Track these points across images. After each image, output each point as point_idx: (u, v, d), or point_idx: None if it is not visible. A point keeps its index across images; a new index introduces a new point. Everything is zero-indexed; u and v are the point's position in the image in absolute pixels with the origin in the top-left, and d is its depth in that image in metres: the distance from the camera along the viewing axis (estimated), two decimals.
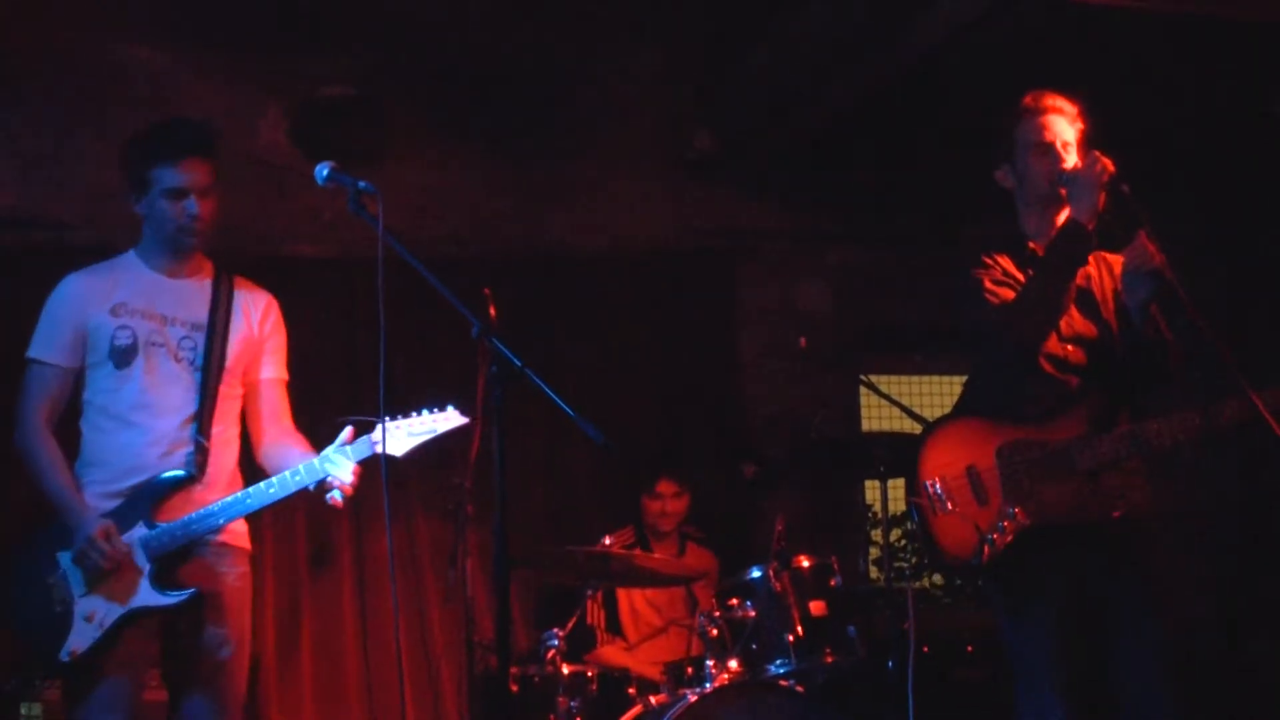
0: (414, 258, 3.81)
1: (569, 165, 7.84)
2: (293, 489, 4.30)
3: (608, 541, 5.96)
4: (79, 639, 4.19)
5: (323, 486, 4.31)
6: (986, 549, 4.12)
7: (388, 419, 4.31)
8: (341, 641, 6.96)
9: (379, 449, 4.28)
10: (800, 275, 8.21)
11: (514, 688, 5.67)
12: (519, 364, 3.63)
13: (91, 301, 4.41)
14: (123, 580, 4.23)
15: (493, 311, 4.13)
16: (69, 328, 4.40)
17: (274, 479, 4.33)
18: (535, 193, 7.77)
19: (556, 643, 5.68)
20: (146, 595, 4.23)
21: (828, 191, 8.18)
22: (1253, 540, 8.11)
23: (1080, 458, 4.16)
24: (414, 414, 4.36)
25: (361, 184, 3.88)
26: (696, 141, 7.93)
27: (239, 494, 4.35)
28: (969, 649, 6.67)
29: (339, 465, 4.28)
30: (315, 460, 4.30)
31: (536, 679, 5.70)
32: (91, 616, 4.20)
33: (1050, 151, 4.28)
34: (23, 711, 5.67)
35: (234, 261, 7.00)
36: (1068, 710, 4.10)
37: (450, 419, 4.35)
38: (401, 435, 4.33)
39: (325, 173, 3.97)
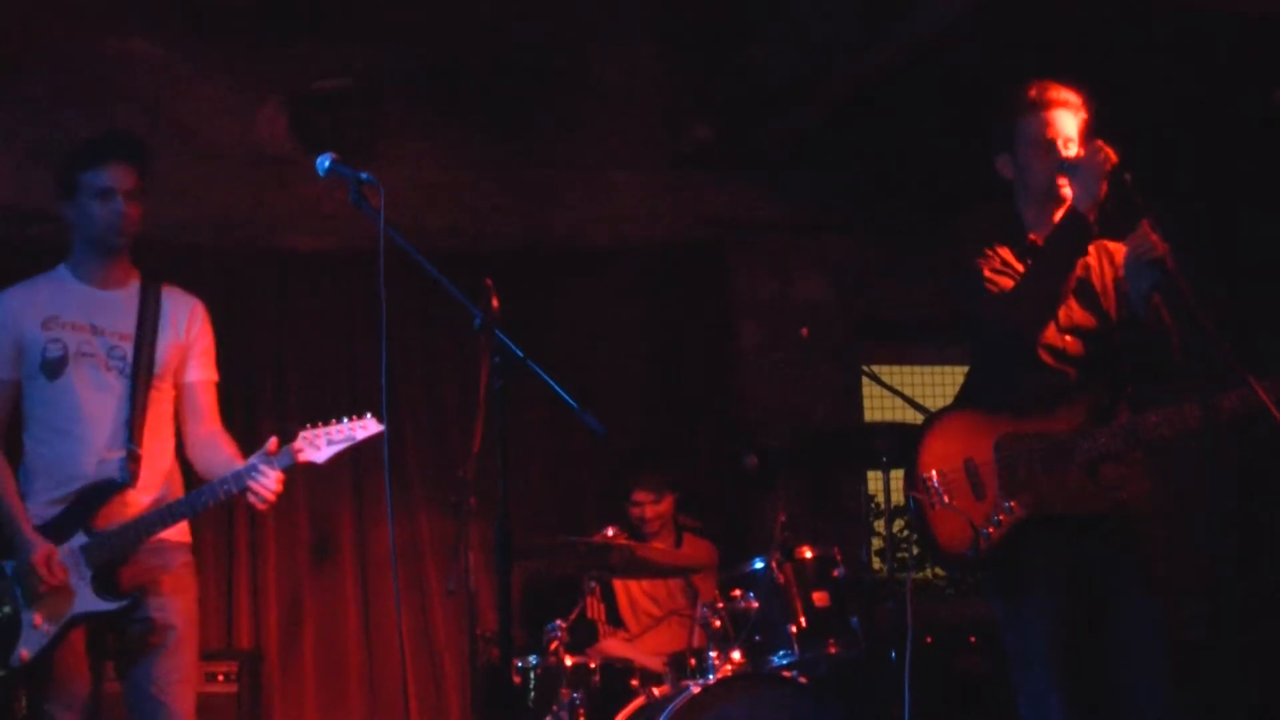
0: (415, 249, 3.81)
1: (567, 158, 7.84)
2: (221, 496, 4.44)
3: (610, 533, 5.96)
4: (27, 644, 4.33)
5: (250, 491, 4.44)
6: (982, 543, 4.12)
7: (309, 427, 4.48)
8: (344, 634, 6.96)
9: (301, 458, 4.45)
10: (798, 267, 8.21)
11: (516, 679, 5.68)
12: (521, 355, 3.63)
13: (25, 315, 4.55)
14: (66, 588, 4.37)
15: (495, 303, 4.12)
16: (6, 341, 4.55)
17: (204, 489, 4.48)
18: (534, 185, 7.78)
19: (559, 634, 5.69)
20: (89, 601, 4.38)
21: (826, 183, 8.18)
22: (1250, 533, 8.11)
23: (1080, 449, 4.14)
24: (334, 422, 4.48)
25: (363, 176, 3.88)
26: (694, 133, 7.92)
27: (172, 503, 4.49)
28: (971, 639, 6.67)
29: (264, 475, 4.41)
30: (242, 470, 4.42)
31: (539, 670, 5.71)
32: (38, 622, 4.33)
33: (1052, 149, 4.25)
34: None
35: (234, 254, 7.10)
36: (1064, 701, 4.09)
37: (368, 427, 4.48)
38: (321, 442, 4.48)
39: (327, 164, 3.97)
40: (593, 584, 6.05)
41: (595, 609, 6.42)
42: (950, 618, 6.85)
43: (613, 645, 6.38)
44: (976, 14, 6.21)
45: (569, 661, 5.67)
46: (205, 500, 4.45)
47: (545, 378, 3.65)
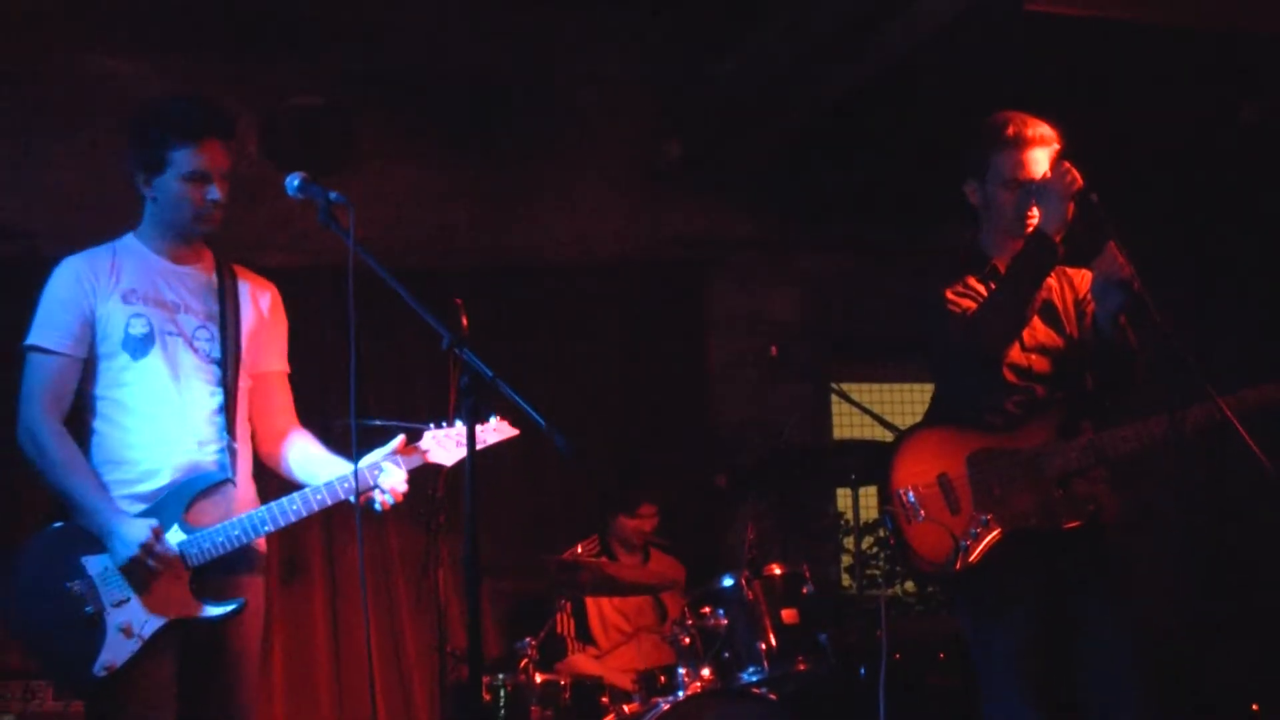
0: (385, 269, 3.80)
1: (538, 174, 7.84)
2: (341, 496, 4.08)
3: (580, 550, 5.97)
4: (115, 653, 3.89)
5: (380, 490, 4.14)
6: (961, 555, 4.14)
7: (433, 426, 4.22)
8: (313, 650, 6.94)
9: (429, 459, 4.19)
10: (769, 284, 8.23)
11: (486, 697, 5.67)
12: (490, 375, 3.62)
13: (98, 286, 4.11)
14: (163, 588, 3.95)
15: (464, 322, 4.11)
16: (75, 313, 4.08)
17: (320, 485, 4.10)
18: (504, 202, 7.77)
19: (529, 651, 5.69)
20: (190, 606, 3.98)
21: (797, 200, 8.21)
22: (1219, 545, 8.15)
23: (1049, 465, 4.18)
24: (459, 423, 4.16)
25: (333, 195, 3.82)
26: (665, 150, 7.93)
27: (284, 500, 4.08)
28: (941, 656, 6.69)
29: (391, 474, 4.12)
30: (365, 470, 4.09)
31: (509, 688, 5.70)
32: (129, 629, 3.91)
33: (1023, 190, 4.27)
34: None
35: None
36: (1035, 717, 4.12)
37: (501, 430, 4.23)
38: (451, 444, 4.21)
39: (296, 184, 3.89)
40: (563, 600, 6.05)
41: (565, 625, 6.45)
42: (919, 634, 6.86)
43: (581, 662, 6.40)
44: (948, 30, 6.22)
45: (539, 679, 5.68)
46: (321, 498, 4.05)
47: (514, 397, 3.63)
